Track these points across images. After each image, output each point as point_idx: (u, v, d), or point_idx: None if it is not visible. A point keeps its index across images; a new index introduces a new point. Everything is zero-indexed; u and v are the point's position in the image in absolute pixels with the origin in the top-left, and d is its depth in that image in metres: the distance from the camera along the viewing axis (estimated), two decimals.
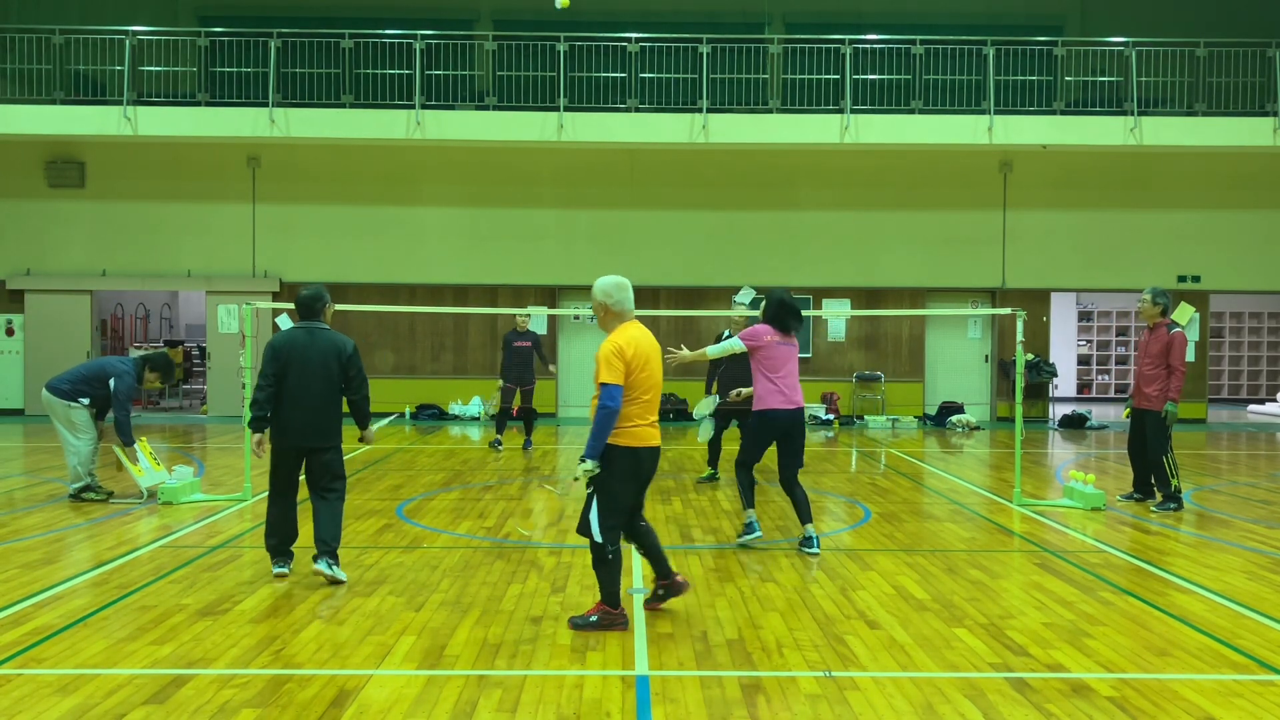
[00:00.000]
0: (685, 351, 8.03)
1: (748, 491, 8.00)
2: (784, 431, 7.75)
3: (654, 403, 5.86)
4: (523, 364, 13.78)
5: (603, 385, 5.65)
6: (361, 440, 7.05)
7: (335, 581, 6.71)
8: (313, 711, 4.56)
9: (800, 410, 7.75)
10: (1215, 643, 5.63)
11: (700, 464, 12.65)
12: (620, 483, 5.77)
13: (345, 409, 6.89)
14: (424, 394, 19.16)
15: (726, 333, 11.36)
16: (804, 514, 7.82)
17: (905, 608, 6.29)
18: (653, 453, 5.87)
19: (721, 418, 11.17)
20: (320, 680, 4.96)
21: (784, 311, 7.75)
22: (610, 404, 5.62)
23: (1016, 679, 5.04)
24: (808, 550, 7.74)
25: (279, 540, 6.91)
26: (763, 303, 7.94)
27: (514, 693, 4.82)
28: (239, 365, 10.17)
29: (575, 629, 5.76)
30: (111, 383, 9.51)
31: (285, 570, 6.90)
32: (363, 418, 6.97)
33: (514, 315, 13.98)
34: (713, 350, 8.14)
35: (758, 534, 8.00)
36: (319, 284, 7.18)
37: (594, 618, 5.81)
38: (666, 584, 6.12)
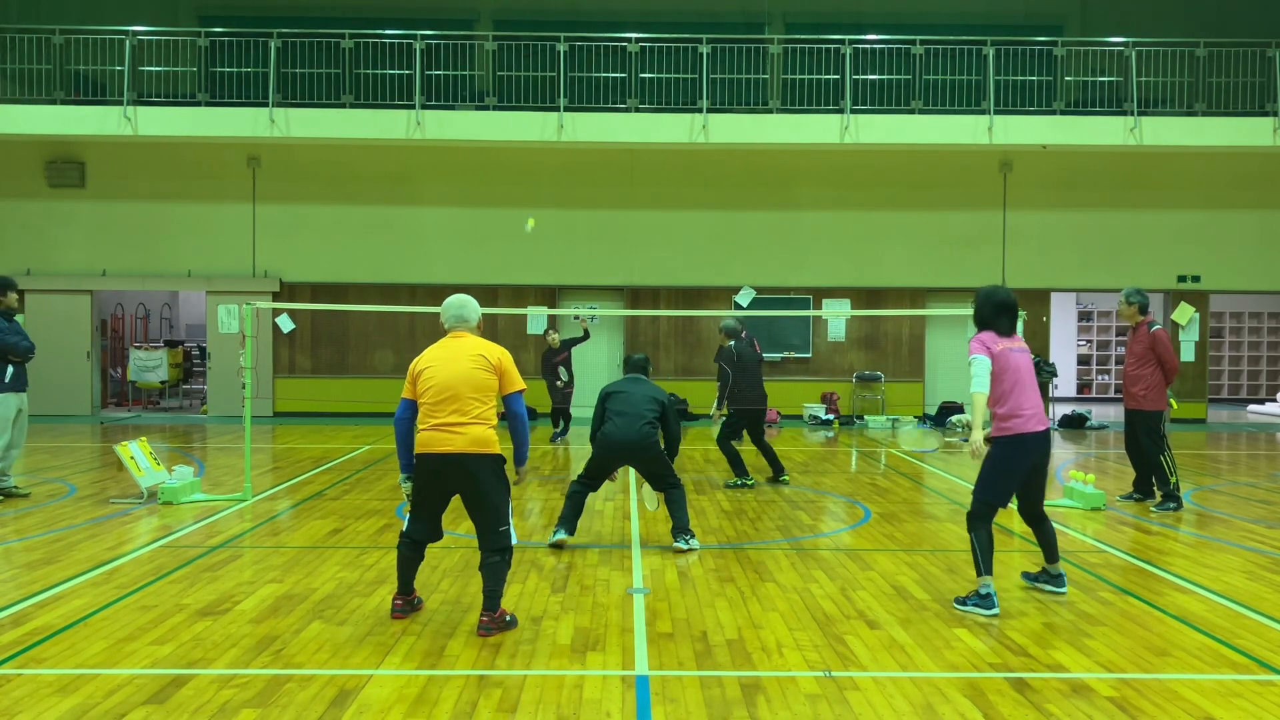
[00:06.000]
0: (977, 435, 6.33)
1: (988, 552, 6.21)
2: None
3: (436, 405, 5.68)
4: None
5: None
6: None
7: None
8: (313, 711, 4.56)
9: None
10: (1215, 643, 5.63)
11: (700, 463, 12.71)
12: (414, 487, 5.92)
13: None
14: None
15: (739, 338, 11.20)
16: (1050, 552, 6.54)
17: (905, 608, 6.29)
18: (432, 459, 5.70)
19: (733, 426, 11.03)
20: (320, 680, 4.96)
21: (1000, 309, 6.30)
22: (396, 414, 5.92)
23: (1016, 679, 5.04)
24: (1054, 589, 6.53)
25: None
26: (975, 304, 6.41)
27: (514, 693, 4.82)
28: (239, 365, 10.16)
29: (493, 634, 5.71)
30: None
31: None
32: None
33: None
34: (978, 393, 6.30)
35: (995, 610, 6.10)
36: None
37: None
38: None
